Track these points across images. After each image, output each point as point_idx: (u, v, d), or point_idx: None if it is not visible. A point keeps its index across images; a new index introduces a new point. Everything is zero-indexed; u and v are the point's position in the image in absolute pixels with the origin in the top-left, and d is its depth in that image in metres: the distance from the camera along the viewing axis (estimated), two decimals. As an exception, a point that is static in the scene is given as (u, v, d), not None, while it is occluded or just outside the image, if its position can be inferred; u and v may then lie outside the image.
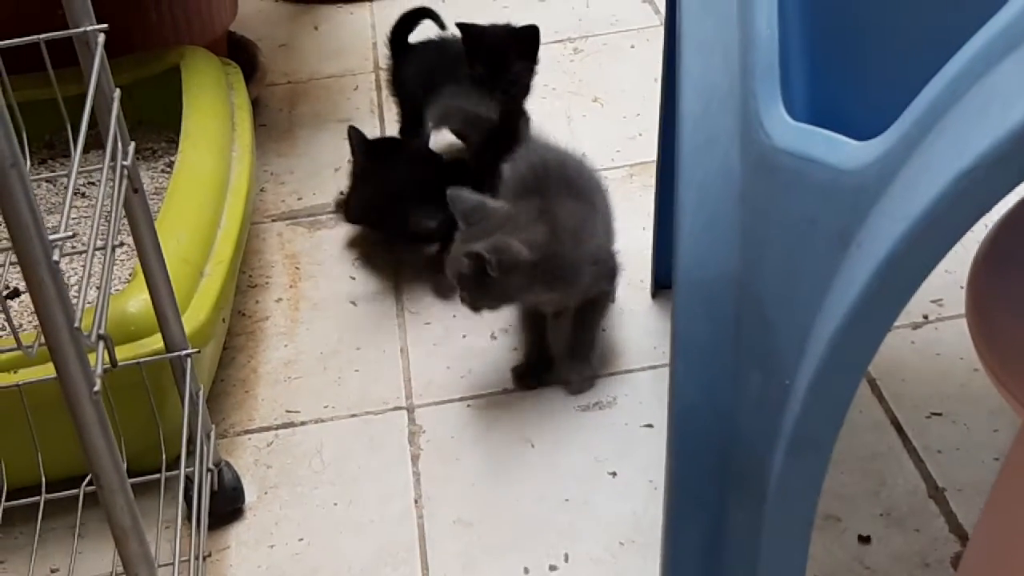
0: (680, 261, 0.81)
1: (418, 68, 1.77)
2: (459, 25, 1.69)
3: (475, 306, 1.33)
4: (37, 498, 1.18)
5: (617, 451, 1.33)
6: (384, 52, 1.83)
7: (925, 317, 1.47)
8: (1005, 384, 0.82)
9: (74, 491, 1.16)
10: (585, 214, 1.37)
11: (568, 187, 1.37)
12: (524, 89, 1.68)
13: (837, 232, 0.73)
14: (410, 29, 1.83)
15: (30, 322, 1.36)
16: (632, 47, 2.12)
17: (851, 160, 0.73)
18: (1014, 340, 0.82)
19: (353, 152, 1.69)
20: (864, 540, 1.20)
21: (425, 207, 1.55)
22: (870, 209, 0.71)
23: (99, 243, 0.91)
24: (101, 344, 0.86)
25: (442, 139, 1.79)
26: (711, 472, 0.83)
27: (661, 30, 2.14)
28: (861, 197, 0.72)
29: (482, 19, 1.84)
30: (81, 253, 1.38)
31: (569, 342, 1.44)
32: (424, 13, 1.83)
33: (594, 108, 1.95)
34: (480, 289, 1.30)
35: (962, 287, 1.41)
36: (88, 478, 1.14)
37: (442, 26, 1.82)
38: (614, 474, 1.31)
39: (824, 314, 0.73)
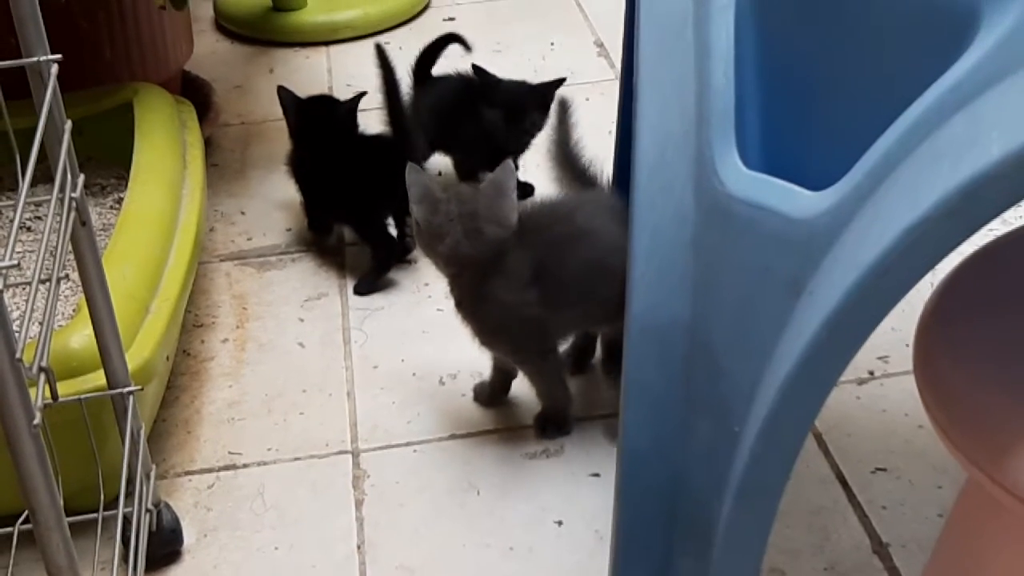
0: (632, 307, 0.81)
1: (435, 101, 1.81)
2: (475, 68, 1.74)
3: None
4: (-31, 536, 1.15)
5: (564, 500, 1.32)
6: (341, 94, 1.83)
7: (871, 373, 1.48)
8: (952, 439, 0.82)
9: (8, 529, 1.13)
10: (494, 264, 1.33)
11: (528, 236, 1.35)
12: (531, 138, 1.75)
13: (789, 280, 0.74)
14: (435, 59, 1.88)
15: (-32, 356, 1.33)
16: (587, 100, 2.13)
17: (804, 209, 0.74)
18: (961, 395, 0.83)
19: (285, 112, 1.74)
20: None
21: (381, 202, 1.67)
22: (822, 258, 0.72)
23: (44, 276, 0.90)
24: (43, 377, 0.84)
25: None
26: (658, 519, 0.83)
27: (616, 84, 2.16)
28: (813, 246, 0.73)
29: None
30: (24, 285, 1.37)
31: None
32: (450, 39, 1.88)
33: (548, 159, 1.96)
34: None
35: (908, 344, 1.43)
36: (23, 516, 1.12)
37: (467, 48, 1.91)
38: (560, 523, 1.30)
39: (774, 362, 0.74)
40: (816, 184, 0.75)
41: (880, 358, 1.49)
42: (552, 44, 2.36)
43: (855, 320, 0.70)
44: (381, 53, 1.65)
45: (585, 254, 1.32)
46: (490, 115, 1.74)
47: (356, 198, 1.67)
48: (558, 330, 1.39)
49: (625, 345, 0.81)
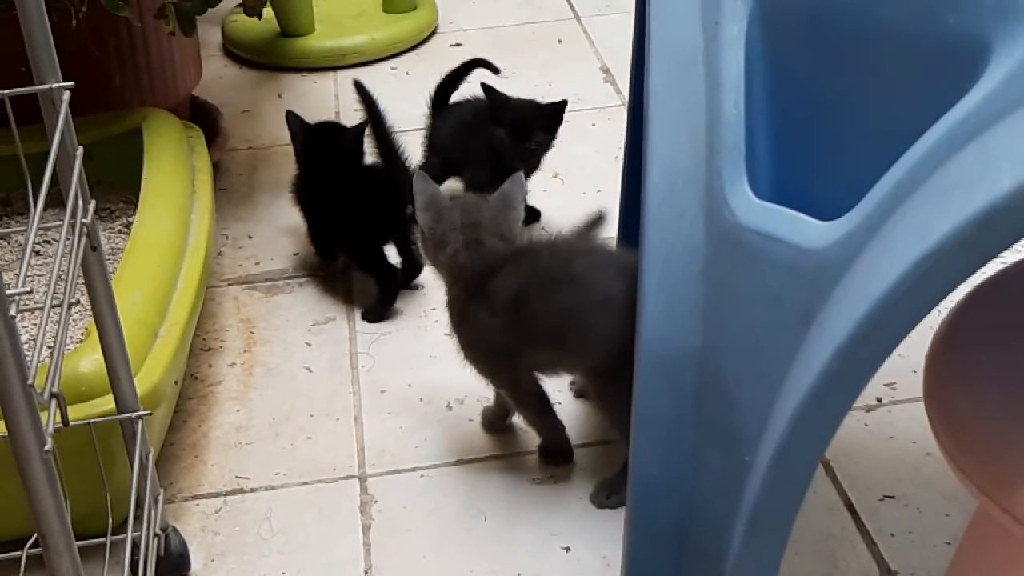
0: (643, 336, 0.81)
1: (452, 128, 1.82)
2: (484, 87, 1.74)
3: None
4: (-24, 560, 1.15)
5: (571, 526, 1.32)
6: (347, 120, 1.84)
7: (879, 400, 1.48)
8: (962, 468, 0.83)
9: (17, 553, 1.13)
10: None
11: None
12: (539, 160, 1.75)
13: (799, 310, 0.74)
14: (456, 86, 1.89)
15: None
16: (593, 125, 2.14)
17: (814, 240, 0.74)
18: (971, 424, 0.83)
19: (292, 138, 1.74)
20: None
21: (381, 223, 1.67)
22: (832, 288, 0.72)
23: (54, 301, 0.90)
24: (53, 402, 0.84)
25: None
26: (668, 548, 0.83)
27: (622, 110, 2.17)
28: (824, 276, 0.73)
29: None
30: (35, 310, 1.37)
31: None
32: (473, 65, 1.90)
33: (555, 184, 1.97)
34: None
35: (915, 371, 1.42)
36: (31, 540, 1.12)
37: (495, 71, 1.93)
38: (568, 549, 1.29)
39: (785, 392, 0.74)
40: (826, 214, 0.76)
41: (887, 385, 1.49)
42: (558, 70, 2.37)
43: (866, 351, 0.70)
44: (360, 88, 1.67)
45: (565, 300, 1.27)
46: (497, 133, 1.75)
47: (353, 226, 1.68)
48: (531, 365, 1.35)
49: (636, 374, 0.82)
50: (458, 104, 1.88)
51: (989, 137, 0.67)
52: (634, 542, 0.84)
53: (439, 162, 1.85)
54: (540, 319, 1.28)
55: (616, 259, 1.31)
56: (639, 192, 0.86)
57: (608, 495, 1.34)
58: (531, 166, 1.79)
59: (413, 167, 1.71)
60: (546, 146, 1.78)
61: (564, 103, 1.76)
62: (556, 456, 1.41)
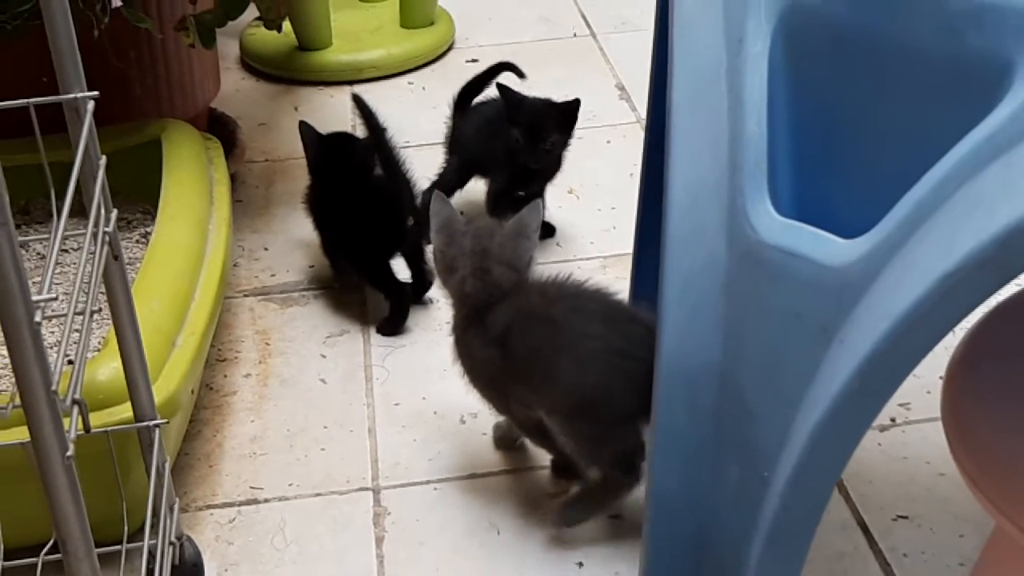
0: (663, 350, 0.82)
1: (476, 127, 1.84)
2: (499, 87, 1.75)
3: None
4: (-8, 566, 1.15)
5: (585, 541, 1.32)
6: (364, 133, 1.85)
7: (892, 420, 1.48)
8: (980, 487, 0.83)
9: (33, 559, 1.14)
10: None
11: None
12: (556, 160, 1.75)
13: (820, 327, 0.74)
14: (480, 90, 1.90)
15: (-2, 388, 1.34)
16: (608, 142, 2.15)
17: (836, 257, 0.75)
18: (990, 445, 0.83)
19: (306, 148, 1.74)
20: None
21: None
22: (854, 306, 0.73)
23: (77, 309, 0.91)
24: (76, 409, 0.85)
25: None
26: (685, 564, 0.83)
27: (638, 127, 2.18)
28: (845, 294, 0.73)
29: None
30: (56, 318, 1.38)
31: None
32: (501, 68, 1.90)
33: (569, 200, 1.97)
34: None
35: (929, 392, 1.43)
36: (48, 546, 1.12)
37: (521, 75, 1.92)
38: (581, 564, 1.29)
39: (805, 408, 0.74)
40: (848, 232, 0.76)
41: (902, 405, 1.49)
42: (573, 86, 2.37)
43: (886, 369, 0.70)
44: (360, 102, 1.67)
45: (535, 340, 1.27)
46: (512, 133, 1.75)
47: (358, 239, 1.68)
48: (519, 399, 1.34)
49: (655, 388, 0.82)
50: (483, 103, 1.88)
51: (1013, 156, 0.67)
52: (651, 557, 0.84)
53: (459, 163, 1.86)
54: (516, 355, 1.29)
55: (601, 307, 1.30)
56: (656, 209, 0.87)
57: (569, 516, 1.32)
58: (549, 167, 1.79)
59: (415, 181, 1.71)
60: (561, 146, 1.78)
61: (577, 101, 1.76)
62: (569, 472, 1.41)
